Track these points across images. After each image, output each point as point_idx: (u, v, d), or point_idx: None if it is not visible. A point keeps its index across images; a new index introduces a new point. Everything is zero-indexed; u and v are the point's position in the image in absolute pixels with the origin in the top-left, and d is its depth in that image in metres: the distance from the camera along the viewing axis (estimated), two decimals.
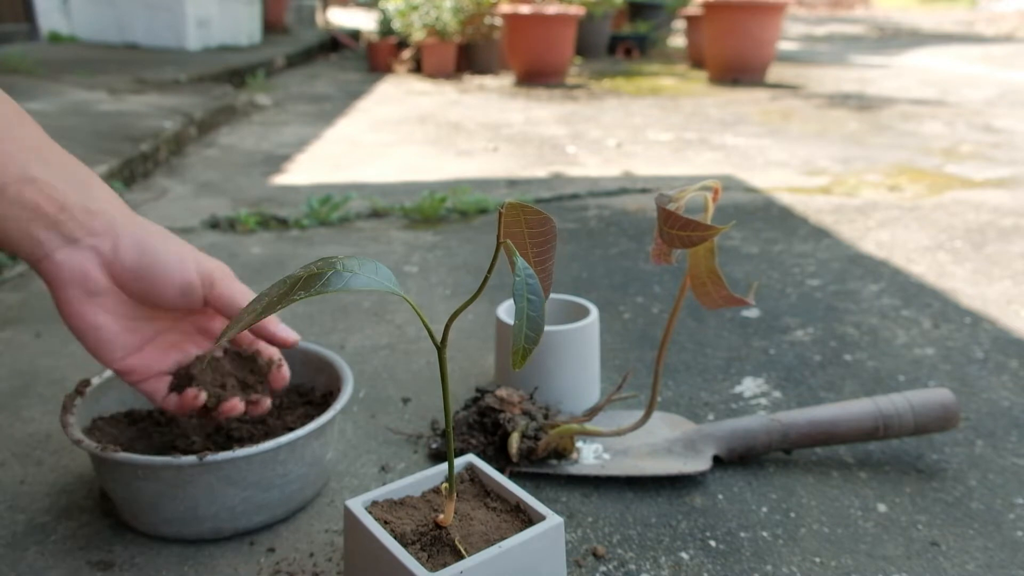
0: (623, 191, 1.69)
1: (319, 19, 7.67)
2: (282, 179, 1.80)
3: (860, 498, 0.65)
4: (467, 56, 4.30)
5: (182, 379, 0.59)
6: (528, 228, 0.43)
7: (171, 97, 2.52)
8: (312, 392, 0.70)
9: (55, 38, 4.34)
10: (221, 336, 0.37)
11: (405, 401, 0.80)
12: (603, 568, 0.57)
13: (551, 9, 3.78)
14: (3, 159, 0.52)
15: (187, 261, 0.57)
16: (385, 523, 0.48)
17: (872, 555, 0.58)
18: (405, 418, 0.77)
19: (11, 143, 0.52)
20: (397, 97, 3.29)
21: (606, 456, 0.69)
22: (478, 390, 0.71)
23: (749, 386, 0.84)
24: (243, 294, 0.60)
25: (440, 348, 0.43)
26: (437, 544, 0.46)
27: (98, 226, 0.55)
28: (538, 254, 0.45)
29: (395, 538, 0.46)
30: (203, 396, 0.59)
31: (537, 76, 3.79)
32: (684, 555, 0.58)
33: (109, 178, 1.53)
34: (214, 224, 1.41)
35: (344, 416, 0.77)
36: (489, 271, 0.39)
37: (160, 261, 0.56)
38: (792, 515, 0.63)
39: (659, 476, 0.67)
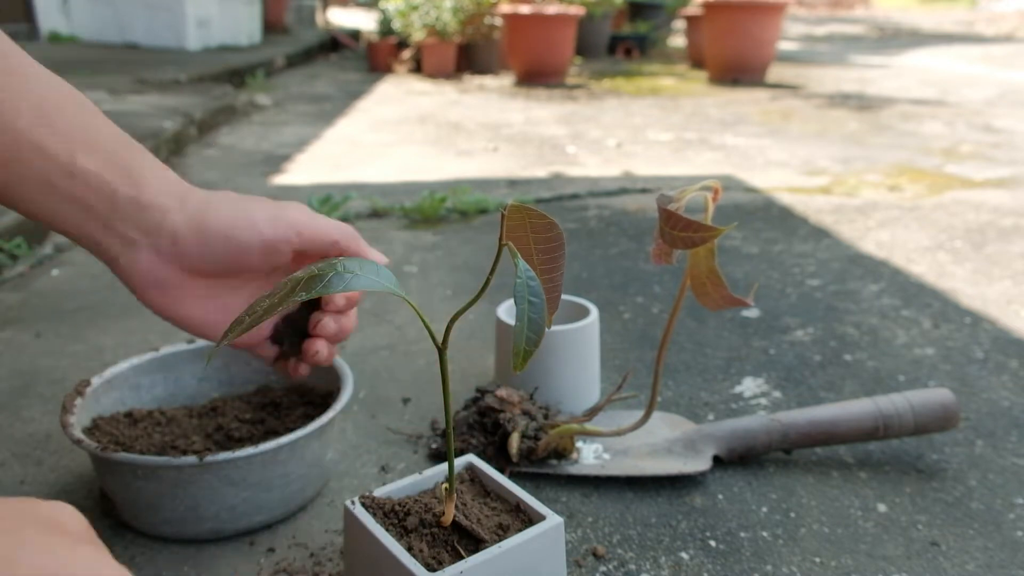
0: (623, 191, 1.69)
1: (319, 19, 7.67)
2: (282, 179, 1.80)
3: (860, 498, 0.65)
4: (467, 56, 4.30)
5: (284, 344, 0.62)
6: (533, 233, 0.42)
7: (171, 97, 2.52)
8: (312, 392, 0.70)
9: (55, 38, 4.34)
10: (223, 338, 0.37)
11: (405, 401, 0.80)
12: (603, 568, 0.57)
13: (551, 9, 3.78)
14: (49, 151, 0.48)
15: (257, 223, 0.53)
16: (385, 523, 0.48)
17: (872, 555, 0.58)
18: (405, 418, 0.77)
19: (55, 134, 0.48)
20: (397, 97, 3.29)
21: (606, 456, 0.69)
22: (478, 390, 0.71)
23: (749, 386, 0.84)
24: (331, 227, 0.56)
25: (441, 349, 0.43)
26: (437, 544, 0.46)
27: (150, 221, 0.51)
28: (545, 262, 0.43)
29: (395, 538, 0.46)
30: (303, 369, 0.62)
31: (537, 76, 3.79)
32: (684, 555, 0.58)
33: None
34: None
35: (344, 416, 0.77)
36: (491, 272, 0.39)
37: (226, 235, 0.52)
38: (792, 515, 0.63)
39: (659, 476, 0.67)
